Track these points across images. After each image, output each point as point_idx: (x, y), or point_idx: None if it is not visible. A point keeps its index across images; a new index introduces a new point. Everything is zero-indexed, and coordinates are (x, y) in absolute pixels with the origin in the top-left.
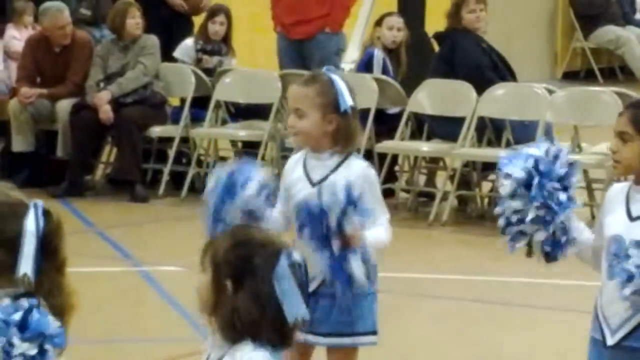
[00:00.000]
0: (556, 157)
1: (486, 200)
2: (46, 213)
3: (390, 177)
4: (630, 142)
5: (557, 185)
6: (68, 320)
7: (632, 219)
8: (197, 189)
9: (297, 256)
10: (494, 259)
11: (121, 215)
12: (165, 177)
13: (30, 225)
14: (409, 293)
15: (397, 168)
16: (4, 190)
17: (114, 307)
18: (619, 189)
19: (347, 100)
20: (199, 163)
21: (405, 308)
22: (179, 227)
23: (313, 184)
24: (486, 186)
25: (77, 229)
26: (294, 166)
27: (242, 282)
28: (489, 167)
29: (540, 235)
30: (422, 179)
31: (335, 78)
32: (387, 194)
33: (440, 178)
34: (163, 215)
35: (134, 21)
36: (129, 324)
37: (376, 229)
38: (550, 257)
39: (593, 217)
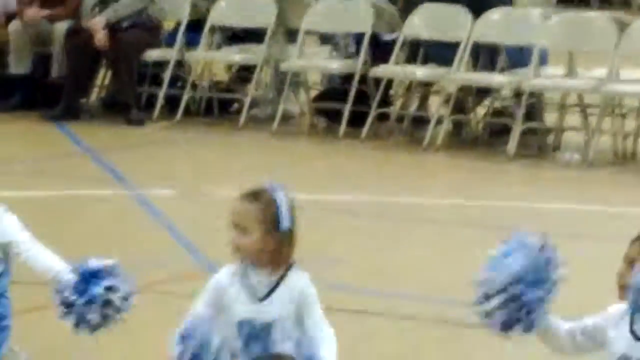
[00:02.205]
0: (547, 261)
1: (480, 125)
2: None
3: (385, 101)
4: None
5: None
6: None
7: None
8: (191, 112)
9: None
10: (487, 183)
11: (116, 138)
12: (160, 101)
13: None
14: (402, 218)
15: (391, 93)
16: None
17: (107, 230)
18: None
19: (287, 220)
20: (194, 87)
21: (399, 232)
22: (174, 150)
23: (256, 301)
24: (481, 110)
25: (72, 152)
26: (231, 280)
27: None
28: (484, 91)
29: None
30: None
31: (278, 196)
32: (382, 118)
33: (435, 103)
34: (158, 138)
35: None
36: (122, 246)
37: (329, 348)
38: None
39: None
